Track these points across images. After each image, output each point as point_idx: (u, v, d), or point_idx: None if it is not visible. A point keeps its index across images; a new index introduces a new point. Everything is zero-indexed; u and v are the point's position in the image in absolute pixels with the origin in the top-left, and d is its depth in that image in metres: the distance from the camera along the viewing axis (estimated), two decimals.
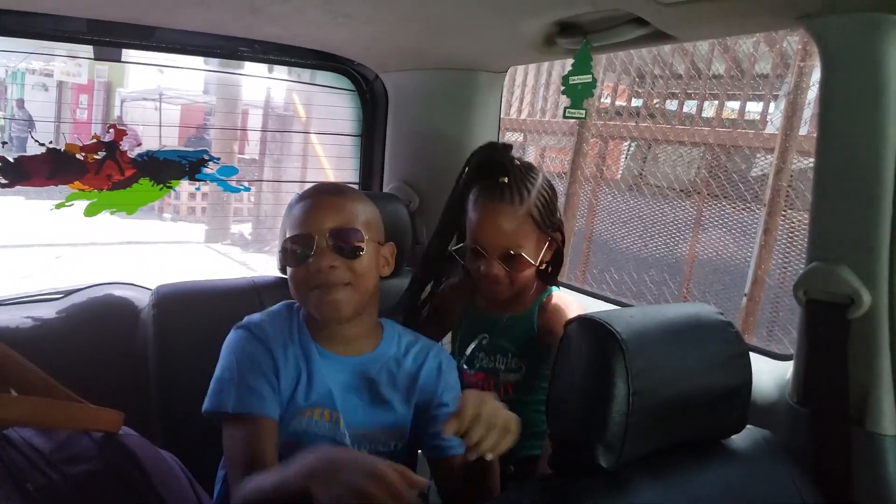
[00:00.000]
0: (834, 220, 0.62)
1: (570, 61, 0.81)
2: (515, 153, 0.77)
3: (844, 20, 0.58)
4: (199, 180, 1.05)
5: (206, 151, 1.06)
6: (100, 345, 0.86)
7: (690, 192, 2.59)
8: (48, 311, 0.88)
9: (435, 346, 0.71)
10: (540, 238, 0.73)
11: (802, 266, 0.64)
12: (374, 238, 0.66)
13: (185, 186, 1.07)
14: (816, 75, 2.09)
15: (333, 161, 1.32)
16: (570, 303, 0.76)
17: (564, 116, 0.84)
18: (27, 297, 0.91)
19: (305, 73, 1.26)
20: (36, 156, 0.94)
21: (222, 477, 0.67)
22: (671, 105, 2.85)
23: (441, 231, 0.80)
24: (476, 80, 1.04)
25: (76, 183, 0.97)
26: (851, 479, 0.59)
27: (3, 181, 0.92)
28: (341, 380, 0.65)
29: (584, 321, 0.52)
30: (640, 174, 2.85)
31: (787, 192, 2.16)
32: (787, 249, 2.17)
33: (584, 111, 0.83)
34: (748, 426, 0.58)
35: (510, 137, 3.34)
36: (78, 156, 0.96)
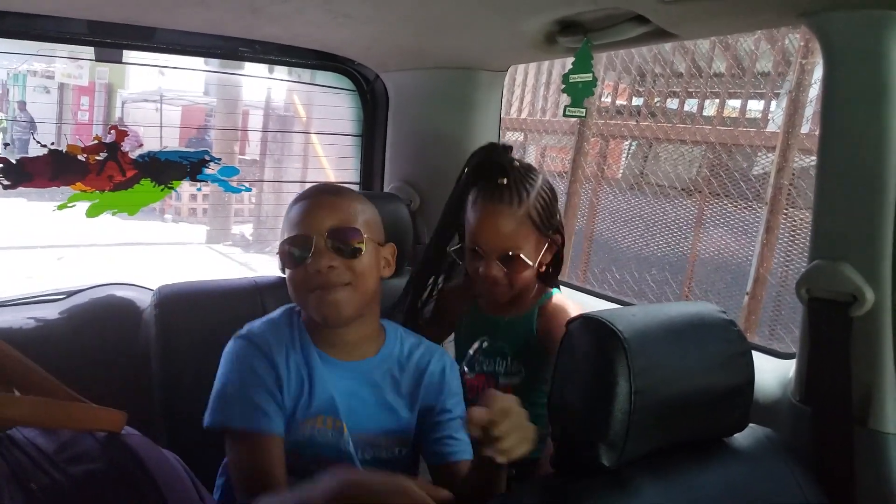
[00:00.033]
0: (836, 217, 0.61)
1: (570, 60, 0.81)
2: (516, 153, 0.77)
3: (846, 17, 0.58)
4: (200, 181, 1.06)
5: (207, 152, 1.06)
6: (102, 345, 0.86)
7: (692, 190, 2.59)
8: (51, 312, 0.88)
9: (438, 350, 0.70)
10: (539, 240, 0.73)
11: (804, 264, 0.64)
12: (374, 238, 0.66)
13: (186, 187, 1.08)
14: (818, 73, 2.09)
15: (334, 161, 1.32)
16: (569, 306, 0.76)
17: (565, 115, 0.84)
18: (30, 297, 0.92)
19: (306, 74, 1.26)
20: (38, 157, 0.94)
21: (222, 486, 0.67)
22: (672, 104, 2.84)
23: (440, 231, 0.80)
24: (477, 80, 1.04)
25: (78, 184, 0.97)
26: (854, 478, 0.59)
27: (6, 182, 0.93)
28: (344, 386, 0.64)
29: (586, 320, 0.52)
30: (642, 173, 2.84)
31: (789, 190, 2.16)
32: (789, 248, 2.17)
33: (584, 110, 0.83)
34: (750, 425, 0.58)
35: (511, 137, 3.34)
36: (80, 157, 0.97)
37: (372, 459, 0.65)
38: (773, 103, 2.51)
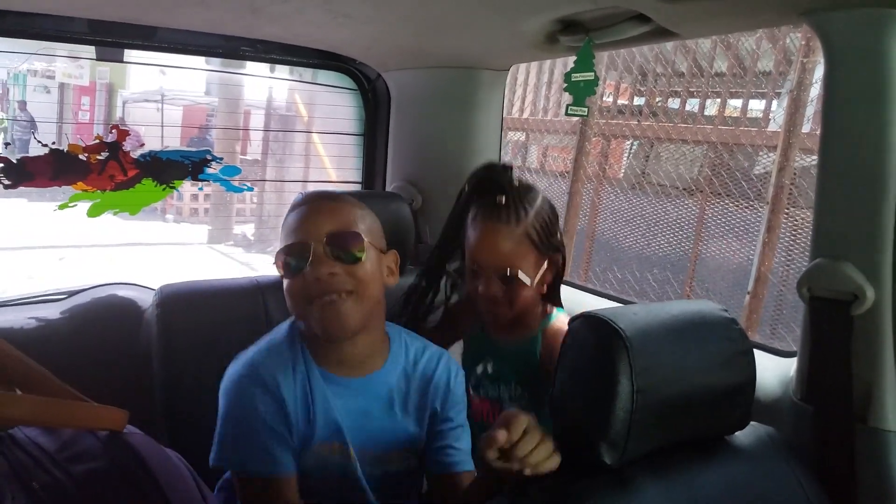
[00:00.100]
0: (837, 216, 0.61)
1: (572, 59, 0.81)
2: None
3: (848, 16, 0.58)
4: (201, 180, 1.06)
5: (208, 151, 1.06)
6: (104, 345, 0.86)
7: (693, 190, 2.58)
8: (52, 312, 0.88)
9: (444, 356, 0.68)
10: (538, 259, 0.72)
11: (805, 263, 0.63)
12: (376, 244, 0.62)
13: (187, 187, 1.08)
14: (819, 72, 2.08)
15: (336, 160, 1.32)
16: None
17: (567, 114, 0.83)
18: (31, 297, 0.92)
19: (307, 73, 1.26)
20: (39, 157, 0.94)
21: (223, 486, 0.65)
22: (673, 103, 2.84)
23: (441, 247, 0.79)
24: (478, 79, 1.04)
25: (79, 183, 0.97)
26: (855, 475, 0.59)
27: (7, 182, 0.93)
28: (350, 406, 0.61)
29: (588, 318, 0.51)
30: (643, 173, 2.84)
31: (790, 189, 2.16)
32: (790, 247, 2.16)
33: (586, 108, 0.83)
34: (752, 423, 0.58)
35: (512, 137, 3.34)
36: (81, 156, 0.97)
37: (382, 474, 0.63)
38: (775, 103, 2.50)
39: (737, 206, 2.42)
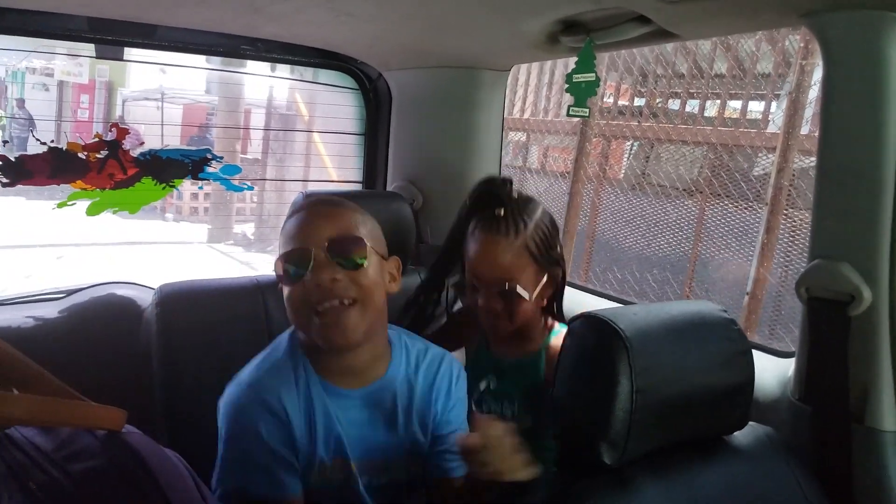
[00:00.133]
0: (836, 217, 0.62)
1: (573, 60, 0.81)
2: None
3: (846, 18, 0.58)
4: (202, 179, 1.05)
5: (209, 150, 1.06)
6: (102, 344, 0.86)
7: (693, 191, 2.59)
8: (50, 311, 0.88)
9: (446, 357, 0.66)
10: (537, 272, 0.72)
11: (804, 264, 0.64)
12: (378, 250, 0.60)
13: (187, 186, 1.07)
14: (818, 74, 2.09)
15: (336, 160, 1.32)
16: None
17: (568, 115, 0.83)
18: (29, 296, 0.91)
19: (308, 72, 1.26)
20: (37, 155, 0.94)
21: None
22: (674, 104, 2.84)
23: (440, 263, 0.79)
24: (480, 79, 1.04)
25: (78, 182, 0.97)
26: (852, 475, 0.60)
27: (5, 180, 0.92)
28: (353, 417, 0.60)
29: (588, 319, 0.52)
30: (643, 173, 2.84)
31: (789, 190, 2.16)
32: (789, 248, 2.17)
33: (587, 109, 0.83)
34: (750, 423, 0.58)
35: (513, 137, 3.34)
36: (80, 155, 0.96)
37: (386, 483, 0.62)
38: (774, 104, 2.51)
39: (736, 207, 2.43)
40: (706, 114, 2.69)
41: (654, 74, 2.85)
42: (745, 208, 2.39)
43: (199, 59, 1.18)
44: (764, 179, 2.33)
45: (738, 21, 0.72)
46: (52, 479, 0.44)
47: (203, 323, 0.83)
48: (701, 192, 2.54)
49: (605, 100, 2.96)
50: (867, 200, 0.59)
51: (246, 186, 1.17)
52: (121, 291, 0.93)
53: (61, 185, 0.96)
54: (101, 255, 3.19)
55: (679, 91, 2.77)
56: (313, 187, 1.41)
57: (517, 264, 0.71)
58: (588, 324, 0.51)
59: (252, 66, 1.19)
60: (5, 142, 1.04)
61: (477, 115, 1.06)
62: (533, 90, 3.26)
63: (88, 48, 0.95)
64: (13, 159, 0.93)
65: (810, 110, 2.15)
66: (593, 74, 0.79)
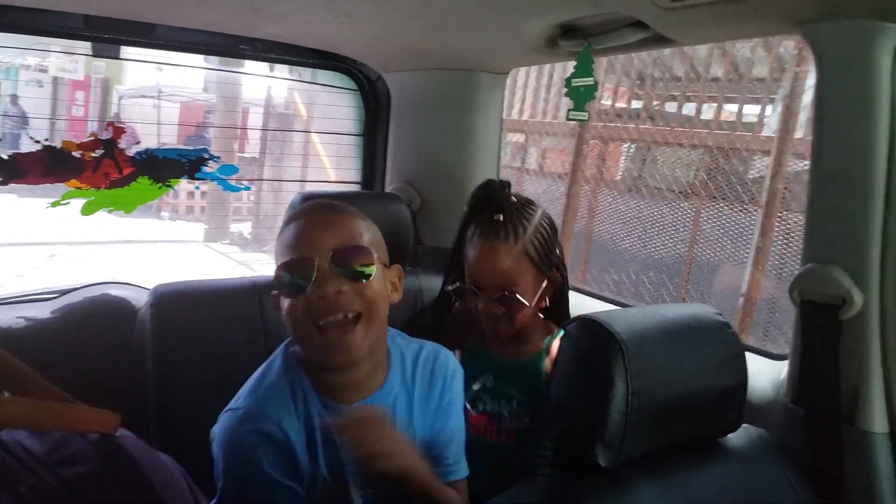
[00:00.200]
0: (828, 222, 0.62)
1: (572, 63, 0.81)
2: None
3: (838, 26, 0.59)
4: (198, 179, 1.05)
5: (206, 150, 1.05)
6: (96, 345, 0.85)
7: (689, 193, 2.60)
8: (42, 311, 0.86)
9: (441, 351, 0.64)
10: (537, 276, 0.72)
11: (798, 267, 0.64)
12: (382, 259, 0.58)
13: (183, 185, 1.07)
14: (812, 80, 2.11)
15: (335, 161, 1.32)
16: None
17: (568, 119, 0.84)
18: (21, 296, 0.90)
19: (307, 72, 1.26)
20: (31, 153, 0.93)
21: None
22: (670, 107, 2.86)
23: (448, 271, 0.78)
24: (478, 81, 1.04)
25: (73, 181, 0.96)
26: (843, 476, 0.60)
27: None
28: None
29: (584, 321, 0.52)
30: (640, 176, 2.86)
31: (784, 194, 2.18)
32: (783, 251, 2.19)
33: (586, 113, 0.83)
34: (744, 425, 0.58)
35: (512, 138, 3.35)
36: (75, 153, 0.95)
37: (388, 494, 0.58)
38: (769, 108, 2.54)
39: (732, 209, 2.45)
40: (702, 117, 2.71)
41: (651, 77, 2.87)
42: (741, 211, 2.41)
43: (197, 59, 1.17)
44: (759, 182, 2.35)
45: (733, 28, 0.73)
46: (43, 482, 0.44)
47: (198, 324, 0.82)
48: (697, 195, 2.56)
49: (602, 102, 2.98)
50: (858, 206, 0.60)
51: (243, 186, 1.16)
52: (115, 291, 0.92)
53: (56, 183, 0.95)
54: (95, 253, 3.16)
55: (676, 94, 2.79)
56: (311, 188, 1.41)
57: (517, 269, 0.70)
58: (584, 326, 0.52)
59: (250, 65, 1.18)
60: None
61: (475, 117, 1.06)
62: (532, 92, 3.27)
63: (85, 46, 0.95)
64: (6, 157, 0.92)
65: (804, 115, 2.17)
66: (592, 79, 0.79)
